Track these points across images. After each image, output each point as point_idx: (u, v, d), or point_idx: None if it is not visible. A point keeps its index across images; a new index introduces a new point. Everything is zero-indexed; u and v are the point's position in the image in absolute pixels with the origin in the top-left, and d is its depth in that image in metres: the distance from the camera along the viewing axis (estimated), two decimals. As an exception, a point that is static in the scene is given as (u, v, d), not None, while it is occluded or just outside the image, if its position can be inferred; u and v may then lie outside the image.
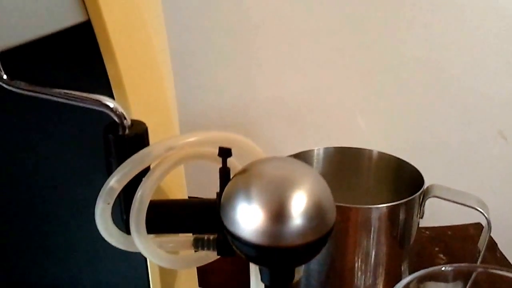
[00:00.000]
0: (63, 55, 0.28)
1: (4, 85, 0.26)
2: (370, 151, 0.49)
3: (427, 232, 0.61)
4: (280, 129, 0.65)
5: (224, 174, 0.29)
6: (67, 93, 0.27)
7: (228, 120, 0.65)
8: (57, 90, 0.27)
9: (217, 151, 0.28)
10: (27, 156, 0.35)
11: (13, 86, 0.26)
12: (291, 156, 0.45)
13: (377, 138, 0.64)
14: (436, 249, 0.58)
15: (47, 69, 0.29)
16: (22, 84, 0.26)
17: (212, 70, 0.64)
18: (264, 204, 0.27)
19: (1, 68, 0.26)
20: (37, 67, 0.28)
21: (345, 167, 0.49)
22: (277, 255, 0.27)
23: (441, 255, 0.57)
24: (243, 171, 0.28)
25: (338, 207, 0.38)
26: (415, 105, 0.64)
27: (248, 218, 0.27)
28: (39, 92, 0.27)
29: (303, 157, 0.47)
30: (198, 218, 0.30)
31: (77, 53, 0.28)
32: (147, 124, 0.30)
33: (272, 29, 0.62)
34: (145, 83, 0.31)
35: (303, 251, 0.27)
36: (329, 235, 0.28)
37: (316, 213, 0.27)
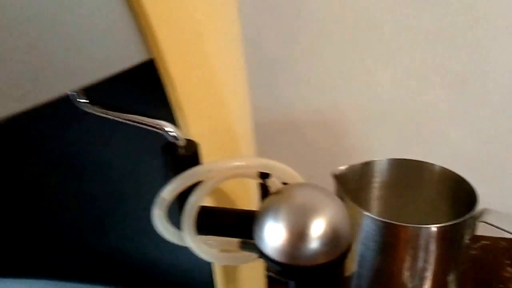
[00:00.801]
0: (133, 83, 0.34)
1: (86, 109, 0.33)
2: (432, 165, 0.50)
3: (502, 242, 0.61)
4: (367, 133, 0.67)
5: (263, 193, 0.34)
6: (133, 117, 0.33)
7: (315, 119, 0.68)
8: (125, 115, 0.33)
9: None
10: (114, 164, 0.42)
11: (92, 109, 0.33)
12: (362, 163, 0.48)
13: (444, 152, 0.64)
14: (507, 261, 0.58)
15: (119, 95, 0.34)
16: (99, 108, 0.33)
17: (306, 71, 0.67)
18: (288, 226, 0.31)
19: (84, 96, 0.32)
20: (110, 94, 0.34)
21: (407, 178, 0.51)
22: (295, 272, 0.31)
23: (509, 268, 0.57)
24: (277, 193, 0.33)
25: (387, 224, 0.41)
26: (492, 124, 0.63)
27: (272, 236, 0.31)
28: (112, 115, 0.33)
29: (367, 167, 0.50)
30: (240, 226, 0.35)
31: (145, 81, 0.34)
32: (208, 142, 0.35)
33: (364, 34, 0.63)
34: (205, 106, 0.36)
35: (320, 270, 0.31)
36: (343, 257, 0.32)
37: (331, 239, 0.31)
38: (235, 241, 0.37)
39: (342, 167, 0.48)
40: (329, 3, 0.61)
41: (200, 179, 0.34)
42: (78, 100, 0.32)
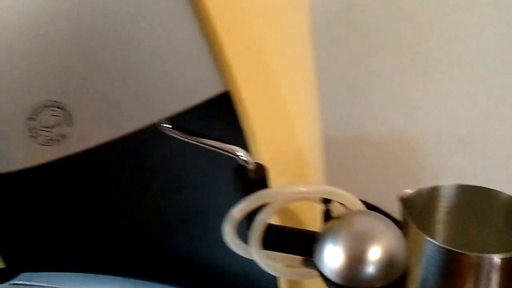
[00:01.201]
0: (211, 110, 0.37)
1: (169, 133, 0.36)
2: (501, 193, 0.50)
3: None
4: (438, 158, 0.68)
5: (326, 216, 0.37)
6: (209, 142, 0.36)
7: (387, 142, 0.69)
8: (202, 139, 0.36)
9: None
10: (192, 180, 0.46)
11: (174, 134, 0.36)
12: (430, 187, 0.49)
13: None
14: None
15: (197, 121, 0.38)
16: (179, 132, 0.36)
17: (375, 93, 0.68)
18: (346, 250, 0.33)
19: (168, 121, 0.36)
20: (189, 120, 0.37)
21: (474, 205, 0.51)
22: (351, 294, 0.34)
23: None
24: (338, 218, 0.35)
25: (449, 251, 0.42)
26: None
27: (331, 258, 0.34)
28: (190, 139, 0.36)
29: (435, 191, 0.50)
30: (302, 245, 0.38)
31: (221, 109, 0.37)
32: (278, 165, 0.38)
33: (439, 57, 0.64)
34: (275, 132, 0.39)
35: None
36: (398, 283, 0.34)
37: (386, 264, 0.33)
38: (298, 258, 0.39)
39: (409, 190, 0.49)
40: (404, 24, 0.62)
41: (267, 201, 0.37)
42: (162, 125, 0.36)
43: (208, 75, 0.33)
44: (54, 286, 0.54)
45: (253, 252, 0.38)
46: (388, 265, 0.33)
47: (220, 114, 0.37)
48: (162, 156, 0.46)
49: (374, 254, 0.33)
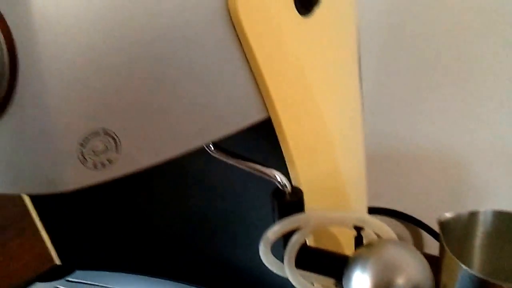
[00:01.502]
0: (252, 134, 0.39)
1: (213, 154, 0.39)
2: None
3: None
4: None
5: (357, 242, 0.38)
6: (249, 164, 0.38)
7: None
8: (243, 161, 0.38)
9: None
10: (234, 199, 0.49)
11: (218, 155, 0.39)
12: (469, 212, 0.50)
13: None
14: None
15: (240, 143, 0.40)
16: (222, 154, 0.39)
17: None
18: (373, 278, 0.35)
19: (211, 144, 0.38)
20: (232, 142, 0.39)
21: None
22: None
23: None
24: (368, 245, 0.37)
25: (482, 280, 0.43)
26: None
27: (358, 284, 0.35)
28: (232, 161, 0.39)
29: (474, 216, 0.51)
30: (333, 268, 0.39)
31: (263, 134, 0.39)
32: (316, 189, 0.40)
33: (489, 76, 0.63)
34: (314, 157, 0.41)
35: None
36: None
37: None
38: (329, 279, 0.41)
39: (448, 214, 0.49)
40: (456, 44, 0.63)
41: (300, 225, 0.38)
42: (206, 146, 0.38)
43: (251, 102, 0.35)
44: (104, 285, 0.57)
45: (287, 270, 0.40)
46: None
47: (263, 138, 0.39)
48: (207, 173, 0.48)
49: (400, 284, 0.34)
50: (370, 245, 0.37)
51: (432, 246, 0.70)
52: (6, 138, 0.29)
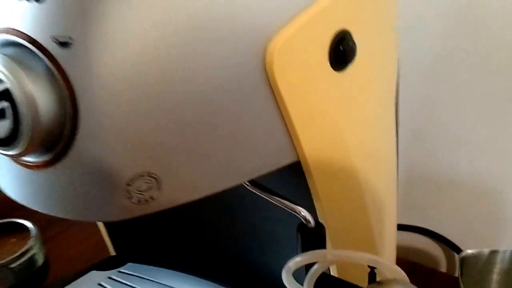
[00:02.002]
0: (283, 173, 0.43)
1: (246, 186, 0.43)
2: None
3: None
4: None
5: (371, 278, 0.42)
6: (277, 199, 0.43)
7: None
8: (272, 196, 0.43)
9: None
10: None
11: (251, 188, 0.43)
12: (490, 251, 0.52)
13: None
14: None
15: (272, 179, 0.44)
16: (255, 188, 0.43)
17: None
18: (379, 314, 0.39)
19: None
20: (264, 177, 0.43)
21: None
22: None
23: None
24: (380, 282, 0.40)
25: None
26: None
27: (366, 317, 0.39)
28: (263, 194, 0.43)
29: (492, 255, 0.53)
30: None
31: (293, 174, 0.43)
32: (340, 225, 0.44)
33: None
34: (341, 198, 0.44)
35: None
36: None
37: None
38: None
39: (470, 251, 0.52)
40: (499, 79, 0.64)
41: (319, 260, 0.42)
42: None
43: (284, 147, 0.39)
44: (153, 279, 0.63)
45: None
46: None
47: (293, 176, 0.43)
48: (242, 203, 0.53)
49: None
50: (380, 283, 0.40)
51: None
52: (69, 174, 0.34)
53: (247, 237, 0.59)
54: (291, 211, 0.43)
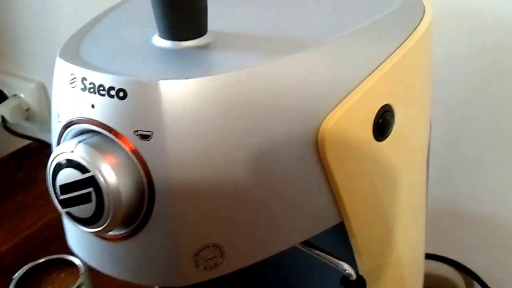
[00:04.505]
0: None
1: (300, 247, 0.47)
2: None
3: None
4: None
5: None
6: (322, 254, 0.46)
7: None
8: (318, 252, 0.46)
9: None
10: None
11: (303, 247, 0.47)
12: None
13: None
14: None
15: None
16: (302, 245, 0.47)
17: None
18: None
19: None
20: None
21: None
22: None
23: None
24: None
25: None
26: None
27: None
28: (310, 251, 0.47)
29: None
30: None
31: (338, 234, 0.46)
32: (376, 275, 0.47)
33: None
34: (380, 254, 0.48)
35: None
36: None
37: None
38: None
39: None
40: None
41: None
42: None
43: (330, 211, 0.43)
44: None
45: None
46: None
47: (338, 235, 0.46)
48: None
49: None
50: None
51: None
52: (143, 246, 0.38)
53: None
54: (335, 266, 0.46)
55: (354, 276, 0.46)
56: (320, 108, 0.39)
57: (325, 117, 0.39)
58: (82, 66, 0.36)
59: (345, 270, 0.46)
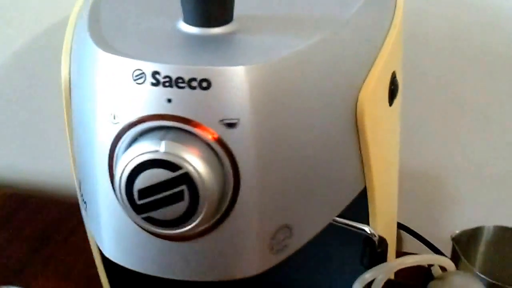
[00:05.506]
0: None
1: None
2: None
3: None
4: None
5: (428, 275, 0.50)
6: (343, 221, 0.48)
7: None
8: (339, 219, 0.48)
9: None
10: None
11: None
12: (473, 228, 0.63)
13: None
14: None
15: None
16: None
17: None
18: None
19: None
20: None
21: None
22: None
23: None
24: (440, 277, 0.49)
25: (490, 283, 0.56)
26: None
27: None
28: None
29: (473, 233, 0.65)
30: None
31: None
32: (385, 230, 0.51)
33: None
34: (387, 210, 0.52)
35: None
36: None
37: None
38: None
39: (457, 231, 0.63)
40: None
41: (387, 270, 0.49)
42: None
43: (359, 177, 0.45)
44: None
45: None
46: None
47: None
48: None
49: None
50: (441, 277, 0.49)
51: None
52: (220, 240, 0.37)
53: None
54: (355, 229, 0.49)
55: (377, 237, 0.49)
56: (354, 79, 0.41)
57: (360, 87, 0.41)
58: (152, 61, 0.34)
59: (368, 232, 0.49)
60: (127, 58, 0.34)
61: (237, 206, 0.36)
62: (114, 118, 0.35)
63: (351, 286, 0.48)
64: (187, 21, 0.38)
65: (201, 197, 0.34)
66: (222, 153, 0.34)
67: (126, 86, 0.34)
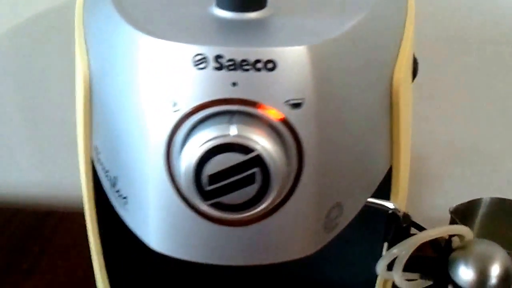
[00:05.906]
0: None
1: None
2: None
3: None
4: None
5: (447, 246, 0.52)
6: (371, 201, 0.49)
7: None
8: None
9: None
10: None
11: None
12: (469, 201, 0.66)
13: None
14: None
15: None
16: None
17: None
18: (475, 269, 0.49)
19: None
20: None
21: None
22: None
23: None
24: (462, 247, 0.50)
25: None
26: None
27: (465, 276, 0.49)
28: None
29: (471, 206, 0.67)
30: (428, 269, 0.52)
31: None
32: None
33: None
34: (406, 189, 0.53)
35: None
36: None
37: (505, 277, 0.49)
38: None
39: (454, 205, 0.65)
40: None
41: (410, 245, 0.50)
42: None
43: (387, 156, 0.46)
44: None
45: (395, 276, 0.52)
46: (506, 277, 0.49)
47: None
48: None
49: (496, 269, 0.49)
50: (462, 246, 0.51)
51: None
52: (280, 223, 0.37)
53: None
54: (381, 207, 0.50)
55: (401, 212, 0.50)
56: (389, 57, 0.42)
57: (394, 66, 0.42)
58: (214, 45, 0.33)
59: (392, 208, 0.50)
60: (186, 44, 0.34)
61: (299, 186, 0.36)
62: (174, 106, 0.35)
63: (372, 264, 0.50)
64: (225, 7, 0.38)
65: (272, 179, 0.34)
66: (286, 134, 0.35)
67: (186, 72, 0.34)
